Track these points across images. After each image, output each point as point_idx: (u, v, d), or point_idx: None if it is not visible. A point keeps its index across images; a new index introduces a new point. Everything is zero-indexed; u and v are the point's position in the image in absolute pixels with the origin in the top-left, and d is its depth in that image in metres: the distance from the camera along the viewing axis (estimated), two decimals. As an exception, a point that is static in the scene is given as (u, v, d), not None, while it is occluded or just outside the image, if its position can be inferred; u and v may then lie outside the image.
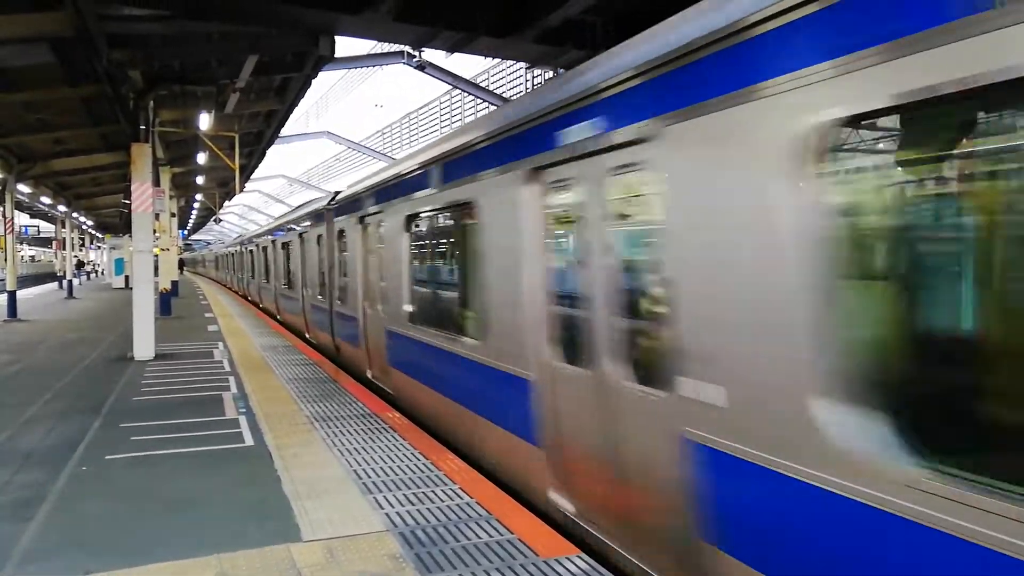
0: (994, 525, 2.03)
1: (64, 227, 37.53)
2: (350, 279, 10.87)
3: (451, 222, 7.29)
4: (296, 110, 18.47)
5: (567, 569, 3.92)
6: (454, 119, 29.10)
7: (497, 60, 21.50)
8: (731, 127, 2.97)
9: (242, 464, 6.02)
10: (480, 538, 4.36)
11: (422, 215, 7.71)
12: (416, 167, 7.63)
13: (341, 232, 11.51)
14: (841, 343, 2.54)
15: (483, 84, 23.16)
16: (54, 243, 44.03)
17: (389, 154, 32.61)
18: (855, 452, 2.46)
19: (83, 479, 5.71)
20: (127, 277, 35.57)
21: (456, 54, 11.70)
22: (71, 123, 16.96)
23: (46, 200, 29.42)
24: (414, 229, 8.04)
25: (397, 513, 4.79)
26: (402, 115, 35.34)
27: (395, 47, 16.71)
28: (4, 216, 22.45)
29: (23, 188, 24.21)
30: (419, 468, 5.77)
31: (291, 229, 16.87)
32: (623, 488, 4.11)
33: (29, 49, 10.11)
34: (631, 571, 4.07)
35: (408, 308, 8.05)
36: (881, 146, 2.83)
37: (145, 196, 12.46)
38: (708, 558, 3.25)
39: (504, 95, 20.70)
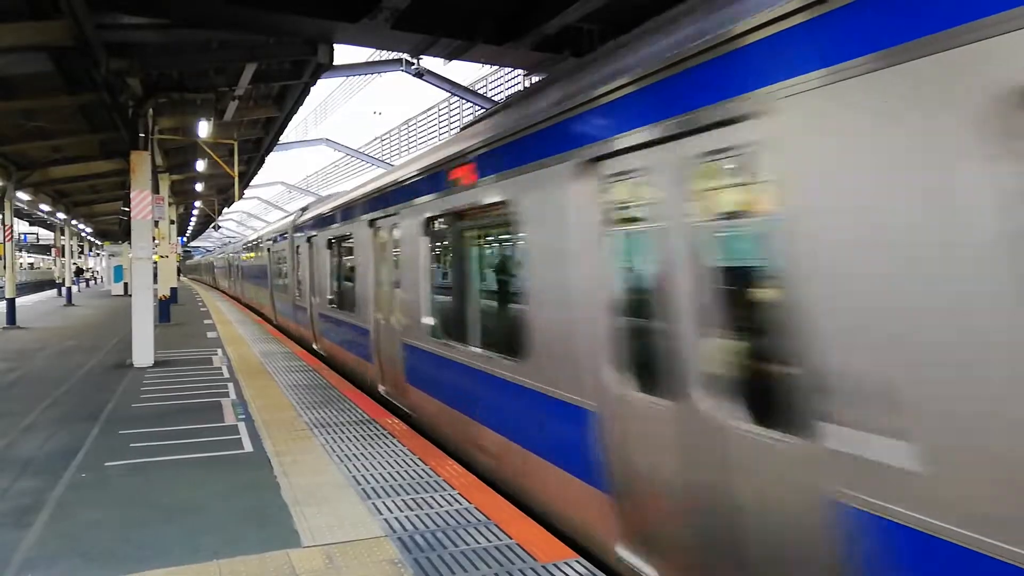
0: None
1: (63, 234, 37.57)
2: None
3: None
4: (295, 117, 18.54)
5: (565, 574, 3.94)
6: (453, 126, 29.17)
7: (495, 67, 21.58)
8: None
9: (241, 470, 6.02)
10: (479, 543, 4.37)
11: None
12: None
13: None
14: None
15: (481, 91, 23.23)
16: (53, 250, 44.03)
17: (388, 161, 32.62)
18: None
19: (82, 486, 5.72)
20: (126, 284, 35.56)
21: (454, 61, 11.76)
22: (70, 130, 17.00)
23: (45, 207, 29.45)
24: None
25: (396, 518, 4.80)
26: (401, 122, 35.36)
27: (393, 55, 16.78)
28: (3, 223, 22.47)
29: (22, 195, 24.23)
30: (418, 473, 5.78)
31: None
32: None
33: (28, 58, 10.15)
34: None
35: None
36: None
37: (144, 203, 12.48)
38: None
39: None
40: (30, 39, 9.78)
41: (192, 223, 57.15)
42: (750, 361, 3.27)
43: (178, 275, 39.17)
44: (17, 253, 29.62)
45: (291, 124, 19.40)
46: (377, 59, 18.67)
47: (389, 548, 4.33)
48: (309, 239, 13.91)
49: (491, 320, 6.41)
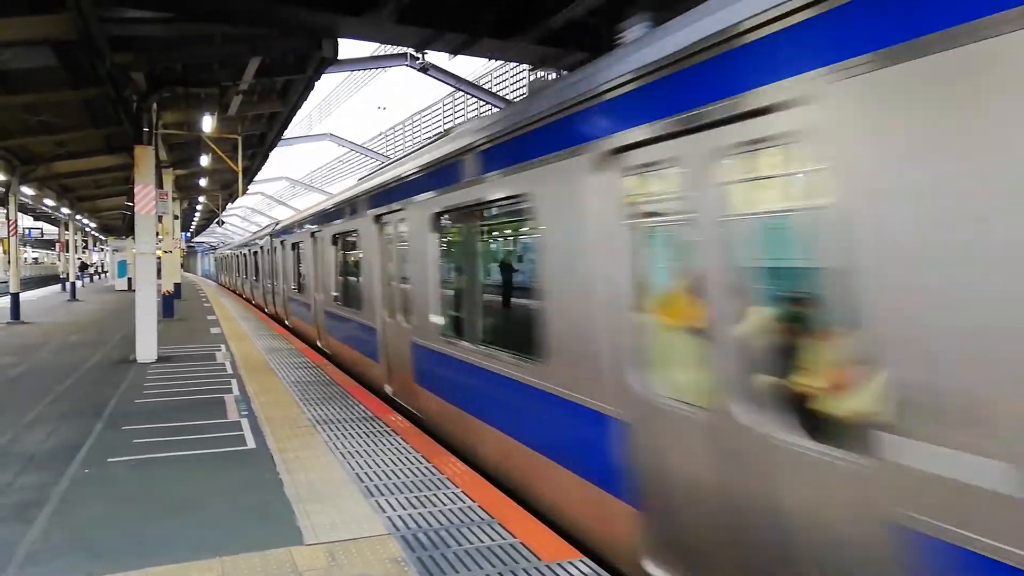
0: None
1: (67, 229, 37.59)
2: None
3: None
4: (299, 112, 18.48)
5: (570, 574, 3.90)
6: (457, 121, 29.13)
7: (500, 62, 21.51)
8: None
9: (244, 467, 6.00)
10: (482, 542, 4.34)
11: None
12: None
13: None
14: None
15: (486, 86, 23.16)
16: (57, 245, 44.09)
17: (391, 156, 32.57)
18: None
19: (85, 481, 5.70)
20: (130, 279, 35.62)
21: (459, 56, 11.70)
22: (74, 125, 16.97)
23: (49, 202, 29.44)
24: None
25: (399, 516, 4.77)
26: (405, 117, 35.32)
27: (398, 49, 16.72)
28: (7, 218, 22.48)
29: (26, 190, 24.24)
30: (421, 471, 5.75)
31: None
32: None
33: (31, 52, 10.12)
34: None
35: None
36: None
37: (148, 198, 12.46)
38: None
39: (507, 97, 20.70)
40: (34, 33, 9.75)
41: (196, 218, 57.20)
42: None
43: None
44: (21, 248, 29.68)
45: (295, 119, 19.33)
46: (382, 54, 18.61)
47: (392, 546, 4.29)
48: None
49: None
